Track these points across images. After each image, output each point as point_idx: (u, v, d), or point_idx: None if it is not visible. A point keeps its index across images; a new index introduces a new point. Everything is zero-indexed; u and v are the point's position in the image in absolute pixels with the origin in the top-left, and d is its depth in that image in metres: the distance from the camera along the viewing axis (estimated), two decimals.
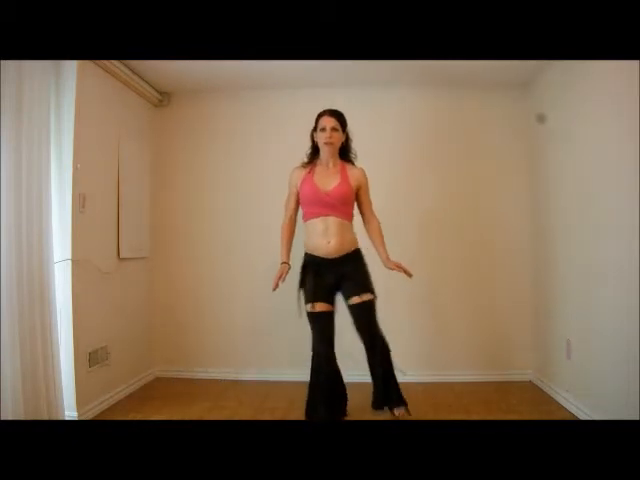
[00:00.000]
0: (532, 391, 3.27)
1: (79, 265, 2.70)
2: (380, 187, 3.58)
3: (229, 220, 3.59)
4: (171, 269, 3.69)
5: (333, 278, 2.47)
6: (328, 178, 2.50)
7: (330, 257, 2.47)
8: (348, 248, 2.50)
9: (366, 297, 2.45)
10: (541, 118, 3.27)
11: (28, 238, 2.35)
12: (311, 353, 2.54)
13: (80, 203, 2.72)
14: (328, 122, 2.47)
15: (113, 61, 2.96)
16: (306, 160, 2.59)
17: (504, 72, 3.30)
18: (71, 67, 2.66)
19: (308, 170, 2.54)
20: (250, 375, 3.55)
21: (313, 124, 2.57)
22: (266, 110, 3.65)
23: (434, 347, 3.52)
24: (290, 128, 3.43)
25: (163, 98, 3.68)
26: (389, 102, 3.61)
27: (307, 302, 2.47)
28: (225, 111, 3.68)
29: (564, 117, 2.97)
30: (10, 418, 2.16)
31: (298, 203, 2.59)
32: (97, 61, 2.84)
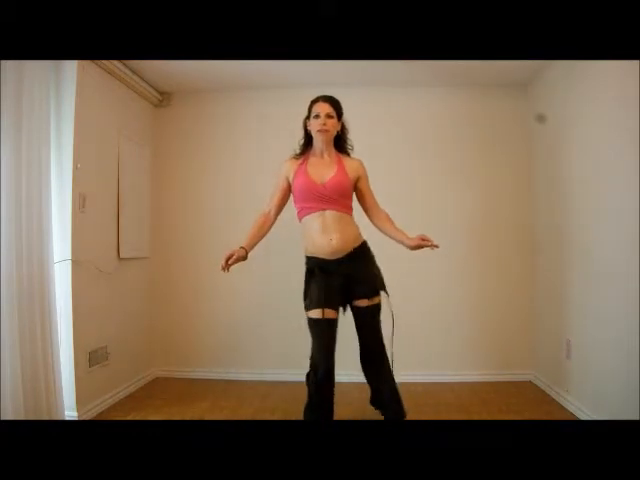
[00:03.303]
0: (532, 391, 3.26)
1: (79, 265, 2.70)
2: (379, 187, 3.59)
3: (229, 220, 3.59)
4: (171, 269, 3.69)
5: (341, 280, 2.23)
6: (323, 169, 2.27)
7: (335, 257, 2.23)
8: (353, 244, 2.27)
9: (377, 300, 2.28)
10: (541, 118, 3.27)
11: (28, 238, 2.35)
12: (309, 361, 2.26)
13: (80, 203, 2.72)
14: (322, 108, 2.26)
15: (113, 61, 2.96)
16: (298, 151, 2.37)
17: (504, 72, 3.30)
18: (71, 67, 2.66)
19: (301, 161, 2.31)
20: (250, 375, 3.55)
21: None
22: (266, 110, 3.65)
23: (434, 347, 3.52)
24: (290, 128, 3.42)
25: (163, 98, 3.69)
26: (388, 102, 3.61)
27: (312, 308, 2.21)
28: (225, 111, 3.68)
29: (564, 117, 2.97)
30: (10, 418, 2.17)
31: (284, 200, 2.37)
32: (97, 61, 2.85)
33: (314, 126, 2.28)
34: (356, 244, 2.29)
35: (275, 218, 2.38)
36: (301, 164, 2.30)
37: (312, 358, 2.22)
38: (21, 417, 2.23)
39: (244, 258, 2.21)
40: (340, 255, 2.24)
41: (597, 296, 2.58)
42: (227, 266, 2.14)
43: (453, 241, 3.55)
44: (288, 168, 2.33)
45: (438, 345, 3.52)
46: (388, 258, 3.46)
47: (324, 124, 2.25)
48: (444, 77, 3.41)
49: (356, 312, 2.29)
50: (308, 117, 2.33)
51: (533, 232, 3.49)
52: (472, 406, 2.94)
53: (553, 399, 3.04)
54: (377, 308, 2.29)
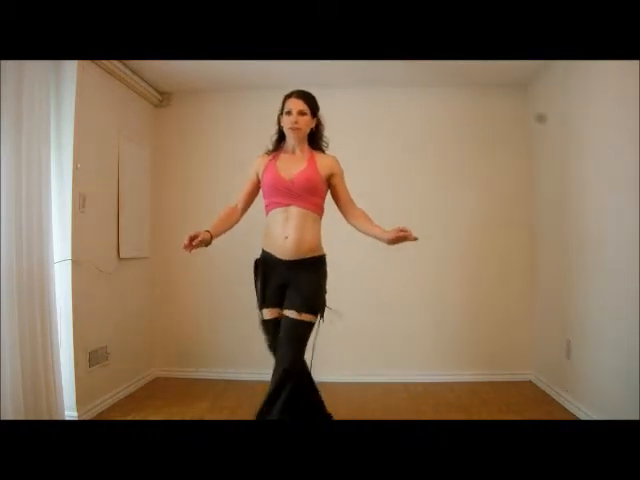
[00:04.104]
0: (532, 391, 3.26)
1: (79, 265, 2.70)
2: (377, 187, 3.60)
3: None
4: (171, 269, 3.69)
5: (282, 283, 2.14)
6: (292, 164, 2.18)
7: (285, 258, 2.11)
8: (309, 251, 2.13)
9: (306, 317, 2.07)
10: (541, 118, 3.27)
11: (28, 238, 2.35)
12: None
13: (80, 203, 2.72)
14: (295, 105, 2.15)
15: (113, 61, 2.96)
16: (271, 147, 2.28)
17: (504, 72, 3.30)
18: (71, 67, 2.66)
19: (272, 157, 2.23)
20: (250, 375, 3.55)
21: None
22: (266, 110, 3.63)
23: (434, 347, 3.52)
24: None
25: (163, 98, 3.69)
26: (388, 102, 3.61)
27: (259, 308, 2.19)
28: (225, 111, 3.68)
29: (564, 117, 2.97)
30: (10, 418, 2.17)
31: (251, 194, 2.29)
32: (97, 61, 2.85)
33: (286, 123, 2.18)
34: (313, 253, 2.15)
35: (242, 212, 2.31)
36: (271, 160, 2.22)
37: (276, 360, 2.12)
38: (21, 417, 2.23)
39: (208, 242, 2.11)
40: (291, 258, 2.11)
41: (597, 296, 2.58)
42: (190, 246, 2.01)
43: (453, 241, 3.55)
44: (259, 163, 2.26)
45: (438, 345, 3.52)
46: (387, 259, 3.49)
47: (295, 122, 2.14)
48: (444, 77, 3.40)
49: (283, 323, 2.12)
50: (280, 113, 2.22)
51: (533, 232, 3.49)
52: (472, 406, 2.94)
53: (553, 399, 3.04)
54: (305, 326, 2.09)
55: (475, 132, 3.58)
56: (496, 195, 3.56)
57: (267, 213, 2.22)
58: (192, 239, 2.02)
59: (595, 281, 2.60)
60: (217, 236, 2.19)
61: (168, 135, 3.72)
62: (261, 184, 2.24)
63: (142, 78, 3.36)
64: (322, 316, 2.15)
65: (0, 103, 2.20)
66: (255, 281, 2.23)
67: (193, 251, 2.03)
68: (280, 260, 2.13)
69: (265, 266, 2.17)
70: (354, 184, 3.57)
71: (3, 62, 2.19)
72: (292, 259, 2.11)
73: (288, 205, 2.13)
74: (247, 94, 3.65)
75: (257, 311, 2.22)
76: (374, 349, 3.53)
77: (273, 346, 2.15)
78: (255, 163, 2.29)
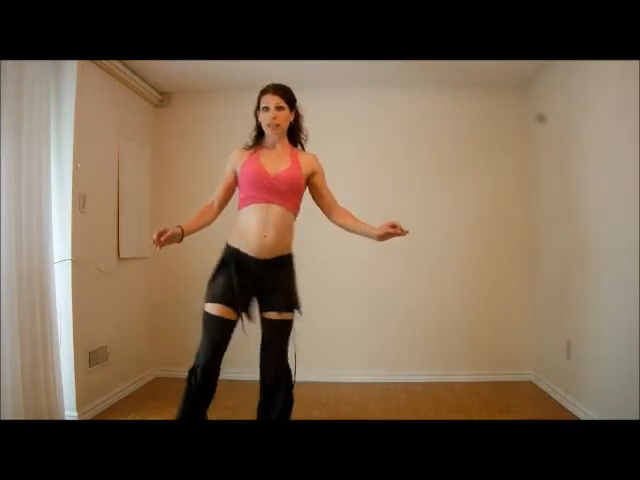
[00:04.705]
0: (532, 391, 3.27)
1: (79, 265, 2.70)
2: (377, 187, 3.60)
3: (229, 220, 3.58)
4: (171, 269, 3.69)
5: (255, 284, 2.05)
6: (277, 160, 2.09)
7: (260, 257, 2.03)
8: (282, 250, 2.08)
9: (286, 316, 2.07)
10: (541, 118, 3.27)
11: (28, 238, 2.35)
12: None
13: (80, 203, 2.72)
14: (271, 100, 2.05)
15: (113, 61, 2.96)
16: (250, 143, 2.18)
17: (504, 72, 3.30)
18: (71, 67, 2.66)
19: (252, 152, 2.13)
20: (251, 375, 3.53)
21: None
22: None
23: (434, 347, 3.52)
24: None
25: (163, 98, 3.69)
26: (388, 102, 3.61)
27: (212, 301, 2.04)
28: (225, 111, 3.68)
29: (564, 117, 2.97)
30: (10, 418, 2.17)
31: (228, 192, 2.21)
32: (97, 61, 2.85)
33: (264, 120, 2.09)
34: (285, 252, 2.11)
35: (219, 210, 2.25)
36: (253, 154, 2.12)
37: (197, 355, 2.05)
38: (21, 417, 2.23)
39: (179, 239, 2.06)
40: (266, 256, 2.04)
41: (597, 296, 2.58)
42: (159, 242, 1.96)
43: (453, 241, 3.55)
44: (236, 158, 2.14)
45: (438, 345, 3.52)
46: (387, 259, 3.48)
47: (274, 118, 2.06)
48: (444, 77, 3.41)
49: (264, 325, 2.10)
50: (257, 108, 2.14)
51: (533, 232, 3.49)
52: (472, 406, 2.94)
53: (553, 399, 3.04)
54: (286, 325, 2.09)
55: (475, 132, 3.58)
56: (496, 195, 3.56)
57: (241, 207, 2.11)
58: (160, 234, 1.96)
59: (595, 281, 2.60)
60: (190, 233, 2.13)
61: (168, 135, 3.72)
62: (238, 177, 2.12)
63: (142, 78, 3.36)
64: (300, 312, 2.13)
65: (0, 103, 2.20)
66: (214, 275, 2.09)
67: (162, 248, 1.98)
68: (253, 258, 2.03)
69: (235, 264, 2.04)
70: (354, 184, 3.61)
71: (3, 62, 2.19)
72: (267, 258, 2.04)
73: (268, 202, 2.03)
74: (247, 94, 3.62)
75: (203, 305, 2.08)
76: (374, 349, 3.52)
77: (217, 348, 2.05)
78: (232, 157, 2.17)
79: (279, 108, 2.07)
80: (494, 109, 3.58)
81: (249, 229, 2.04)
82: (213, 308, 2.03)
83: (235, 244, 2.08)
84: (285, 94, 2.09)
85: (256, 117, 2.17)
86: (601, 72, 2.50)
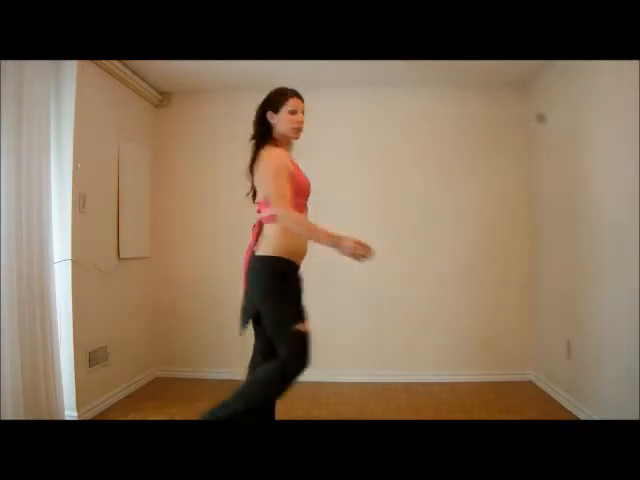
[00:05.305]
0: (532, 391, 3.27)
1: (79, 265, 2.70)
2: (377, 188, 3.60)
3: (229, 220, 3.59)
4: (171, 269, 3.69)
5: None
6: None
7: (300, 264, 2.05)
8: None
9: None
10: (541, 118, 3.27)
11: (28, 238, 2.35)
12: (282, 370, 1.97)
13: (80, 203, 2.72)
14: (299, 105, 2.04)
15: (113, 61, 2.96)
16: (265, 143, 2.11)
17: (504, 72, 3.30)
18: (71, 67, 2.66)
19: (287, 155, 2.09)
20: None
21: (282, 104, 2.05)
22: None
23: (434, 347, 3.52)
24: None
25: (163, 98, 3.69)
26: (388, 102, 3.62)
27: (296, 321, 1.94)
28: (225, 111, 3.68)
29: (564, 117, 2.97)
30: (10, 418, 2.17)
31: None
32: (97, 61, 2.85)
33: (290, 122, 2.03)
34: None
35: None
36: (290, 159, 2.07)
37: (290, 367, 1.96)
38: (21, 417, 2.23)
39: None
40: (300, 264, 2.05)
41: (597, 296, 2.58)
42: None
43: (453, 241, 3.56)
44: (289, 162, 2.05)
45: (438, 345, 3.52)
46: (387, 259, 3.47)
47: (303, 122, 2.05)
48: (444, 77, 3.41)
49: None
50: (274, 109, 2.05)
51: (533, 232, 3.49)
52: (472, 406, 2.94)
53: (553, 399, 3.04)
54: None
55: (475, 132, 3.58)
56: (496, 195, 3.56)
57: None
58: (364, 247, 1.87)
59: (595, 281, 2.60)
60: None
61: (168, 135, 3.73)
62: (295, 183, 1.99)
63: (142, 78, 3.36)
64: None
65: (0, 103, 2.20)
66: (280, 295, 1.97)
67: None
68: (298, 267, 2.04)
69: (295, 278, 2.01)
70: (354, 184, 3.61)
71: (3, 62, 2.19)
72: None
73: (306, 209, 2.05)
74: (247, 94, 3.64)
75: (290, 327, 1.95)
76: (374, 349, 3.53)
77: (308, 356, 1.97)
78: (286, 159, 2.04)
79: (303, 112, 2.07)
80: (494, 109, 3.58)
81: (298, 239, 1.98)
82: (303, 326, 1.95)
83: (286, 255, 1.97)
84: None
85: (266, 117, 2.09)
86: (601, 72, 2.50)
